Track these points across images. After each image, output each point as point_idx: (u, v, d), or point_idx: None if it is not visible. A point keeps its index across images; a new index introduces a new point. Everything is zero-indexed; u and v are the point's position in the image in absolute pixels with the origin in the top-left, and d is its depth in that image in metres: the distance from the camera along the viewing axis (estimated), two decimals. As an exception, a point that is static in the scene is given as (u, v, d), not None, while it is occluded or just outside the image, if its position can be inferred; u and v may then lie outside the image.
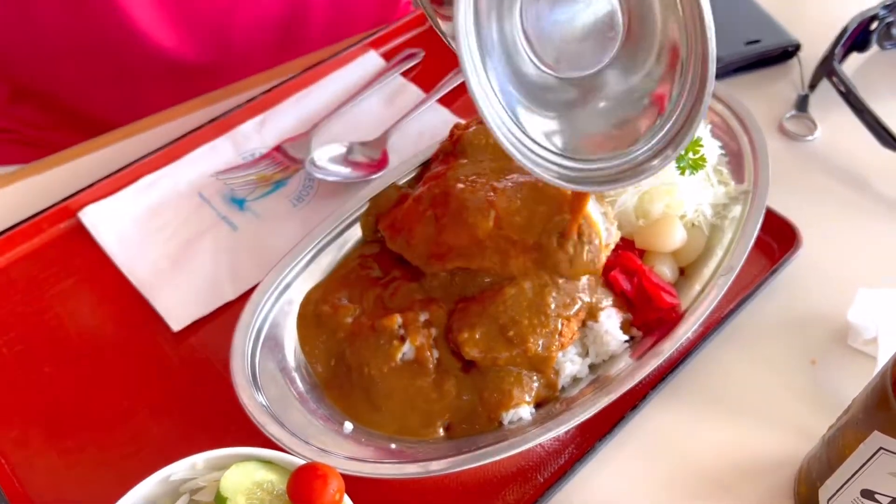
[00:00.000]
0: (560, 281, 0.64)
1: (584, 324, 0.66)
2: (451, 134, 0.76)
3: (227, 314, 0.72)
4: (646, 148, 0.56)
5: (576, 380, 0.66)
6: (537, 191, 0.67)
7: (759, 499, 0.63)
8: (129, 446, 0.65)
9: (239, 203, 0.80)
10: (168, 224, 0.78)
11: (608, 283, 0.67)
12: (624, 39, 0.55)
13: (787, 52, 0.95)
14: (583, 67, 0.56)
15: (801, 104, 0.91)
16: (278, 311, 0.67)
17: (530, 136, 0.57)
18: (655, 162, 0.56)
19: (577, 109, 0.58)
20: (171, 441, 0.65)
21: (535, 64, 0.56)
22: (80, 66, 0.94)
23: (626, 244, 0.71)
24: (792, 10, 1.00)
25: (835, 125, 0.89)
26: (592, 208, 0.67)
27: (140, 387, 0.68)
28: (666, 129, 0.56)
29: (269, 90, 0.88)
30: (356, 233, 0.73)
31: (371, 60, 0.93)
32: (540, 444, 0.64)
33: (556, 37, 0.55)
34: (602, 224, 0.67)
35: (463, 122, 0.77)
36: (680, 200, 0.71)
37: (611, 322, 0.66)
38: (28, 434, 0.65)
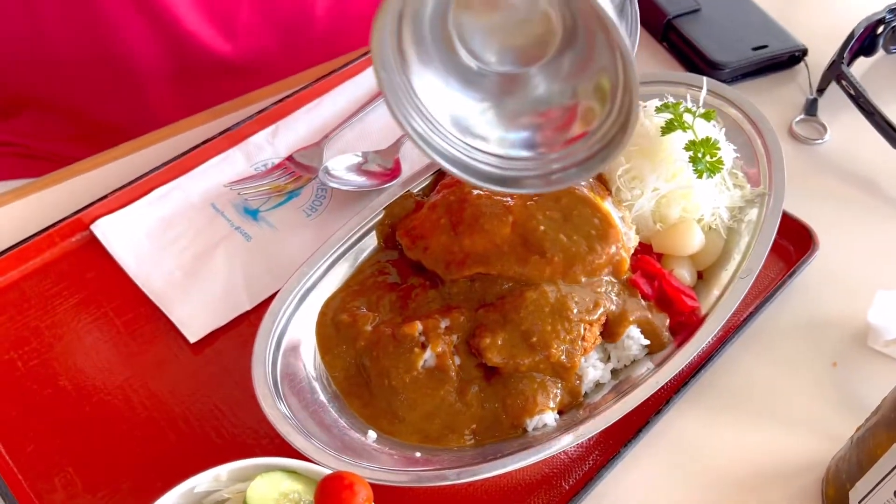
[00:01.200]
0: (581, 282, 0.64)
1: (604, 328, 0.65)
2: (466, 141, 0.76)
3: (243, 325, 0.72)
4: (560, 160, 0.57)
5: (599, 385, 0.65)
6: (554, 194, 0.67)
7: (787, 503, 0.62)
8: (149, 459, 0.64)
9: (252, 214, 0.80)
10: (182, 235, 0.77)
11: (629, 289, 0.67)
12: (559, 48, 0.56)
13: (794, 58, 0.96)
14: (514, 65, 0.57)
15: (811, 108, 0.91)
16: (297, 321, 0.66)
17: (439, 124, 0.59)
18: (557, 176, 0.57)
19: (499, 105, 0.59)
20: (192, 453, 0.64)
21: (466, 54, 0.57)
22: (84, 72, 0.94)
23: (643, 248, 0.71)
24: (797, 16, 1.01)
25: (844, 128, 0.89)
26: (611, 211, 0.67)
27: (158, 399, 0.67)
28: (586, 147, 0.56)
29: (279, 101, 0.87)
30: (372, 241, 0.73)
31: (380, 70, 0.93)
32: (564, 451, 0.63)
33: (492, 29, 0.56)
34: (621, 228, 0.66)
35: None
36: (696, 204, 0.71)
37: (632, 327, 0.66)
38: (45, 449, 0.64)
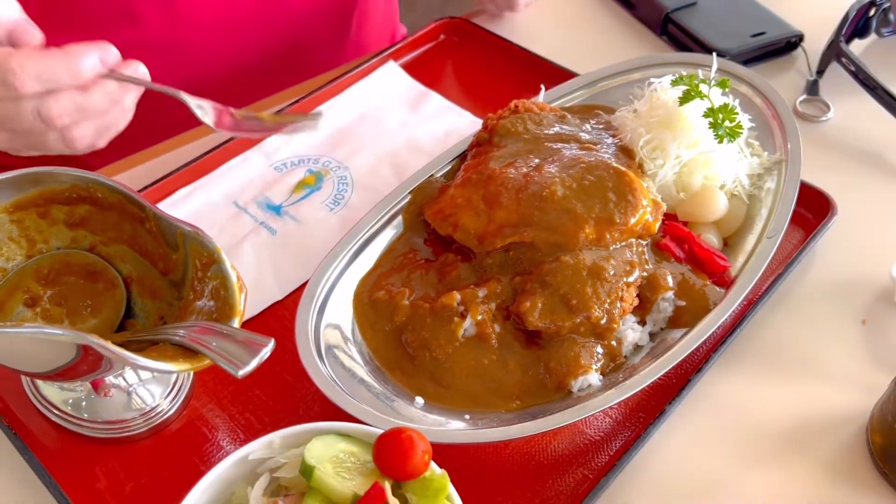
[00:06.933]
0: (615, 247, 0.64)
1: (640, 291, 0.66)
2: (485, 124, 0.77)
3: (275, 315, 0.72)
4: None
5: (637, 348, 0.66)
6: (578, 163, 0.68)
7: (832, 454, 0.62)
8: (201, 436, 0.63)
9: (276, 209, 0.80)
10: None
11: (660, 253, 0.68)
12: None
13: (791, 44, 0.99)
14: None
15: (812, 88, 0.93)
16: (333, 300, 0.66)
17: None
18: None
19: None
20: (239, 432, 0.63)
21: None
22: None
23: (668, 218, 0.72)
24: (788, 4, 1.04)
25: (847, 105, 0.92)
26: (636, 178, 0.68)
27: (203, 386, 0.66)
28: None
29: (294, 102, 0.89)
30: (399, 226, 0.73)
31: (391, 71, 0.95)
32: (610, 414, 0.63)
33: None
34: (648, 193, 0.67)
35: (494, 114, 0.78)
36: (717, 172, 0.72)
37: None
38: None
